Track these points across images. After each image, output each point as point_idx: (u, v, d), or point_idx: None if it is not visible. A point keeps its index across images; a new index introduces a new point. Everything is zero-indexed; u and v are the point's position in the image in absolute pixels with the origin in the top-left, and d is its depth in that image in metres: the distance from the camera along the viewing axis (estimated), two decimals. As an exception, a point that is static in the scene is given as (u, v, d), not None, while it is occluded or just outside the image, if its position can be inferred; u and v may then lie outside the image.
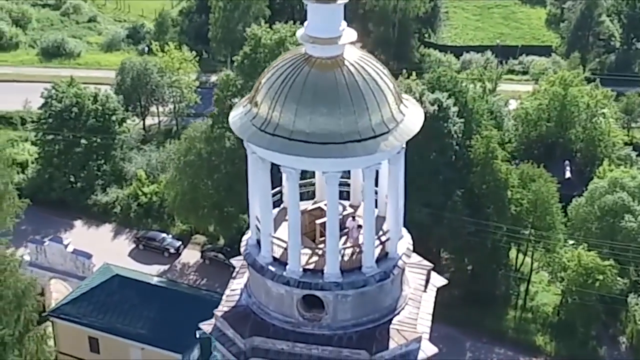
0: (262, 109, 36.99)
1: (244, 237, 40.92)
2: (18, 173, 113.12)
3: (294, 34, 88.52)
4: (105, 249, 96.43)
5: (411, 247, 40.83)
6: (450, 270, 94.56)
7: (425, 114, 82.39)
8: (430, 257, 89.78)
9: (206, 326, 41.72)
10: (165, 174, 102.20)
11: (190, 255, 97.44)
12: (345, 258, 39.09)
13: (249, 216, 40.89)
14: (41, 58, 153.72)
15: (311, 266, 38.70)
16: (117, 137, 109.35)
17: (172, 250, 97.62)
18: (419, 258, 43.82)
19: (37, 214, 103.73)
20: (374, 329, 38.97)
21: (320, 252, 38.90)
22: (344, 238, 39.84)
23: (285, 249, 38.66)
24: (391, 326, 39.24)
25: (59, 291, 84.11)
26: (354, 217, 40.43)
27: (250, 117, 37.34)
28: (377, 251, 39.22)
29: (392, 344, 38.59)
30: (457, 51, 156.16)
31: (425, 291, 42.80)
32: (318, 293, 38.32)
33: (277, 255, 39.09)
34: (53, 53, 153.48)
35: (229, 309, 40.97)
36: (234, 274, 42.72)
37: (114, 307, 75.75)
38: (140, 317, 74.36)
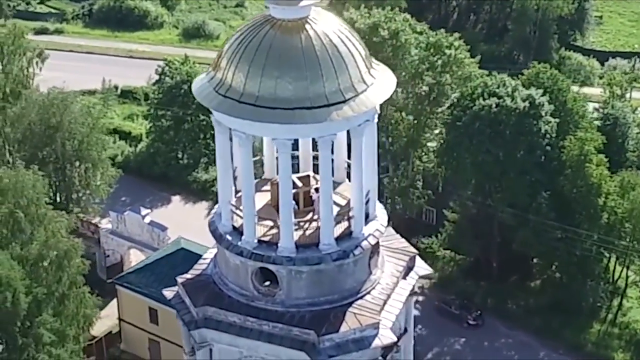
0: (219, 70, 35.84)
1: (215, 206, 39.84)
2: (130, 146, 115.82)
3: (390, 20, 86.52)
4: (196, 225, 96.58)
5: (383, 230, 38.46)
6: (542, 278, 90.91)
7: (515, 109, 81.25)
8: (519, 260, 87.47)
9: (168, 292, 40.92)
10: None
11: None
12: (307, 233, 37.44)
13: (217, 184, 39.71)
14: (181, 38, 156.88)
15: (267, 238, 37.14)
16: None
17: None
18: (405, 243, 41.56)
19: (140, 186, 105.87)
20: (329, 310, 37.05)
21: (281, 224, 37.28)
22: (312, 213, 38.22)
23: (251, 219, 37.31)
24: (349, 309, 37.20)
25: (139, 261, 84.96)
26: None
27: (209, 79, 36.28)
28: (341, 229, 37.29)
29: (344, 327, 36.56)
30: (604, 56, 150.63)
31: (404, 278, 40.37)
32: (271, 267, 36.74)
33: (238, 225, 37.75)
34: (193, 34, 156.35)
35: (192, 277, 40.12)
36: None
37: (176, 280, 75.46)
38: (198, 293, 73.82)
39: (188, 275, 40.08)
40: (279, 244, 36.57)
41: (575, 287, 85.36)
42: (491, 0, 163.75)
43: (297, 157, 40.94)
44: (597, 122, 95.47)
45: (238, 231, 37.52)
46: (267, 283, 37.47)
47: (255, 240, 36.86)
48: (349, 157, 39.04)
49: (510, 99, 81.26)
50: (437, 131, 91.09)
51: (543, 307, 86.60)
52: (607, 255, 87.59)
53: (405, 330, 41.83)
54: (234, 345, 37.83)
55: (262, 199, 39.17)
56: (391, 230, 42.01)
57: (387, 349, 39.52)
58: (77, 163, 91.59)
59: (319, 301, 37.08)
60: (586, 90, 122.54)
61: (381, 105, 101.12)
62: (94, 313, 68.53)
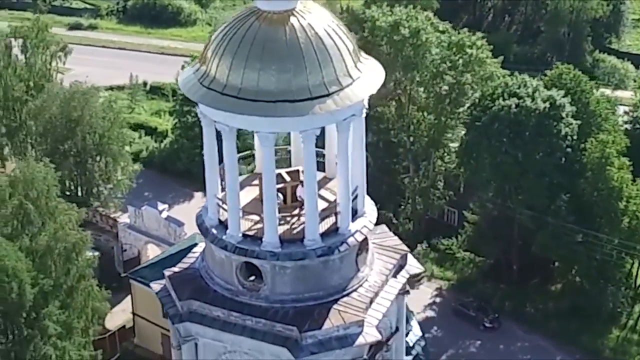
0: (205, 62, 35.67)
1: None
2: (156, 141, 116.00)
3: (412, 18, 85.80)
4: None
5: (371, 226, 37.85)
6: (563, 282, 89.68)
7: (535, 110, 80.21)
8: (540, 264, 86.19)
9: (156, 285, 40.65)
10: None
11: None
12: (293, 228, 37.05)
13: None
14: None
15: (252, 232, 36.79)
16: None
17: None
18: (397, 242, 40.83)
19: (163, 181, 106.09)
20: (314, 307, 36.65)
21: (269, 219, 36.86)
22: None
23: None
24: (334, 306, 36.73)
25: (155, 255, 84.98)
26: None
27: (195, 70, 36.10)
28: (328, 225, 36.82)
29: (327, 324, 36.10)
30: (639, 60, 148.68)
31: (395, 277, 39.75)
32: (255, 261, 36.41)
33: (224, 219, 37.46)
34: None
35: (180, 271, 39.85)
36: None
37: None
38: (210, 288, 73.61)
39: (176, 269, 39.79)
40: (263, 239, 36.24)
41: (595, 292, 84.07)
42: (526, 1, 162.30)
43: (289, 151, 40.75)
44: (626, 126, 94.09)
45: (224, 225, 37.26)
46: (252, 278, 37.18)
47: (240, 235, 36.56)
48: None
49: (530, 100, 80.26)
50: (463, 132, 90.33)
51: (562, 311, 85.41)
52: (630, 260, 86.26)
53: (397, 329, 41.18)
54: (218, 340, 37.60)
55: (251, 193, 38.95)
56: (384, 227, 41.52)
57: (376, 348, 39.11)
58: (98, 157, 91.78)
59: (304, 297, 36.69)
60: (619, 93, 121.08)
61: (402, 104, 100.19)
62: (103, 306, 68.42)
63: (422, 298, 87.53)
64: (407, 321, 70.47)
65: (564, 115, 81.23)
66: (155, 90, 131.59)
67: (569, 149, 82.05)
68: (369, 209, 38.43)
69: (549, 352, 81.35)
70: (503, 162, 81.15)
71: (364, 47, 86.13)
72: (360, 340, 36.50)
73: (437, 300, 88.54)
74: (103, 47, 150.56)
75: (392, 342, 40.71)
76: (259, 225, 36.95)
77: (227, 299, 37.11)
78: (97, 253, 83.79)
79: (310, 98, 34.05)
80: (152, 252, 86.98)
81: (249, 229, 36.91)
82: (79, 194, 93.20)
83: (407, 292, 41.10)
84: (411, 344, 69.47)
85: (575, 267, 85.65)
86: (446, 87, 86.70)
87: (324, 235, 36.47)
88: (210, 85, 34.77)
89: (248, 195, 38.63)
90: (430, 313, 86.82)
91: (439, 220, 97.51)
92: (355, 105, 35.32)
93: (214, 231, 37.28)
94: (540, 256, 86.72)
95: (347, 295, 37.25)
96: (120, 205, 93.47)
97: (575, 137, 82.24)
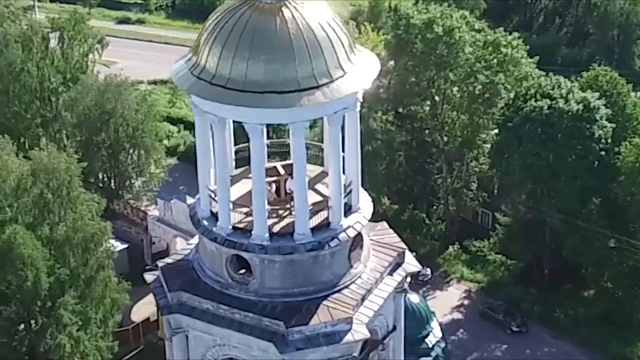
0: (196, 52, 35.38)
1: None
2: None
3: (446, 16, 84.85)
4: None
5: (364, 222, 37.21)
6: (596, 288, 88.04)
7: (568, 112, 78.89)
8: (572, 268, 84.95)
9: (149, 276, 40.39)
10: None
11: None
12: (285, 222, 36.57)
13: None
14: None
15: (243, 225, 36.37)
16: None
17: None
18: (396, 239, 40.11)
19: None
20: (302, 302, 36.07)
21: (261, 212, 36.41)
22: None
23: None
24: (324, 302, 36.15)
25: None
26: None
27: (187, 60, 35.80)
28: (320, 220, 36.28)
29: (314, 320, 35.54)
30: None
31: (391, 275, 39.05)
32: (243, 254, 36.00)
33: (216, 211, 37.09)
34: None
35: (173, 262, 39.50)
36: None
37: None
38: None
39: (169, 260, 39.51)
40: (252, 232, 35.83)
41: (626, 299, 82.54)
42: (577, 2, 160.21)
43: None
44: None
45: (216, 217, 36.89)
46: (242, 271, 36.78)
47: (230, 227, 36.13)
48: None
49: (563, 101, 78.98)
50: (496, 132, 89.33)
51: (592, 317, 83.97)
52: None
53: (394, 328, 40.47)
54: (207, 333, 37.15)
55: (246, 185, 38.39)
56: (385, 224, 40.85)
57: (371, 346, 38.52)
58: (131, 150, 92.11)
59: (293, 292, 36.11)
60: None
61: (436, 103, 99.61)
62: (122, 298, 68.40)
63: (450, 300, 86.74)
64: (428, 322, 69.92)
65: (598, 117, 79.84)
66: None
67: (602, 152, 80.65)
68: (365, 204, 37.80)
69: (576, 358, 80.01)
70: (533, 164, 79.98)
71: (398, 45, 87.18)
72: (348, 337, 35.86)
73: (465, 302, 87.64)
74: (150, 41, 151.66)
75: (388, 341, 40.03)
76: (250, 218, 36.50)
77: (217, 291, 36.68)
78: (125, 245, 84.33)
79: (299, 90, 33.53)
80: (181, 245, 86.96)
81: (240, 222, 36.45)
82: (112, 186, 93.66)
83: (405, 290, 40.41)
84: (431, 346, 68.58)
85: (607, 273, 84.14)
86: (480, 87, 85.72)
87: (315, 230, 35.95)
88: (200, 75, 34.42)
89: (243, 187, 38.20)
90: (457, 315, 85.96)
91: (472, 222, 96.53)
92: (347, 98, 34.67)
93: (205, 223, 36.85)
94: (572, 260, 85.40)
95: (338, 291, 36.62)
96: (152, 198, 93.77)
97: (609, 140, 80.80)
